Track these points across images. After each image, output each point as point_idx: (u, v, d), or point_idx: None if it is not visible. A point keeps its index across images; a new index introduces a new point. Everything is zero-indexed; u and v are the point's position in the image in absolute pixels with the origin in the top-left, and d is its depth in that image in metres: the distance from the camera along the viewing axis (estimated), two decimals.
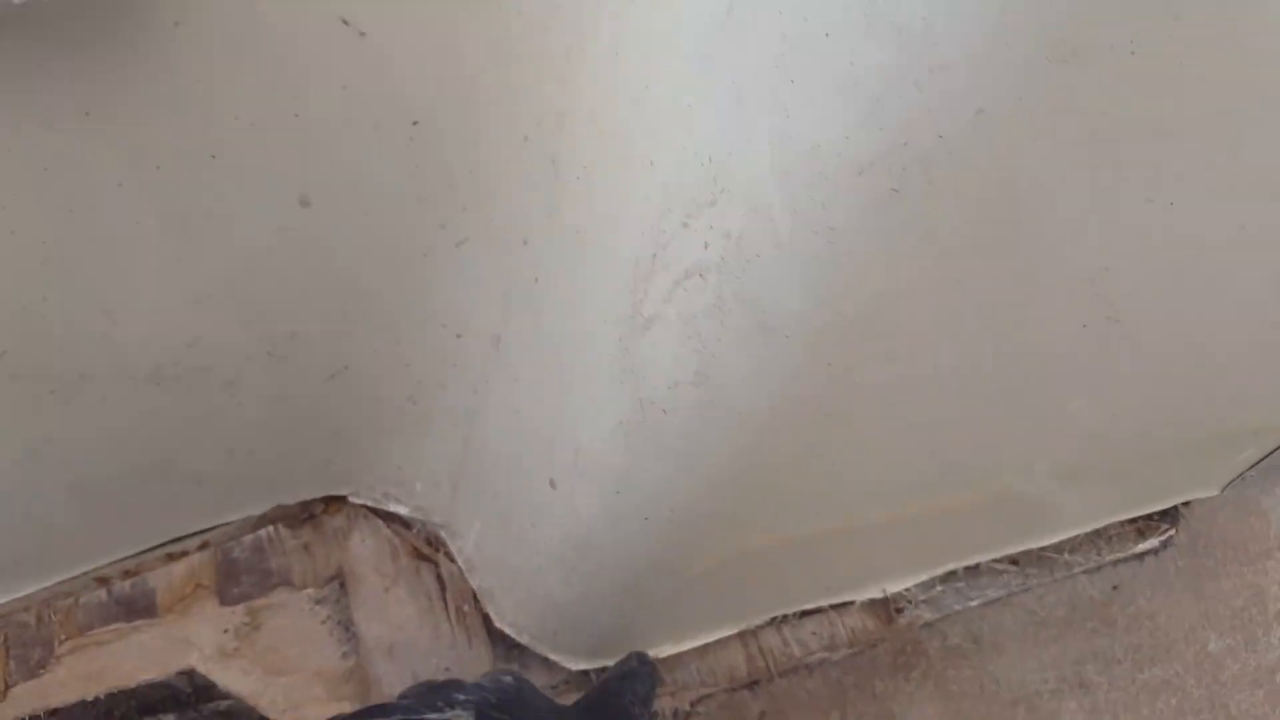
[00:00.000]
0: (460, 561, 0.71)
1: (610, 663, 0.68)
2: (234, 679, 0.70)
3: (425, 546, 0.75)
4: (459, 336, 0.61)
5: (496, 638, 0.71)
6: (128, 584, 0.70)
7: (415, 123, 0.49)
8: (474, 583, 0.70)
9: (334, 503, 0.76)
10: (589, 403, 0.52)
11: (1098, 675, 0.87)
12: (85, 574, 0.69)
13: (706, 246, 0.42)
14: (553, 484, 0.58)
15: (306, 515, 0.76)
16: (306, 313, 0.56)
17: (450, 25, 0.45)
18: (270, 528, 0.73)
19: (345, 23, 0.43)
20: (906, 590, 0.73)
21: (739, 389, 0.46)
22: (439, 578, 0.73)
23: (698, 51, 0.39)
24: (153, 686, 0.69)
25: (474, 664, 0.70)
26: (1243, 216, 0.43)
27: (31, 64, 0.39)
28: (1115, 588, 0.89)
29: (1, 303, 0.49)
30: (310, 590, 0.75)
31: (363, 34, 0.44)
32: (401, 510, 0.74)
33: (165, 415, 0.58)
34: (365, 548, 0.75)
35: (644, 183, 0.45)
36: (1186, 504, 0.89)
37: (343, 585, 0.74)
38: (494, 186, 0.53)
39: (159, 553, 0.71)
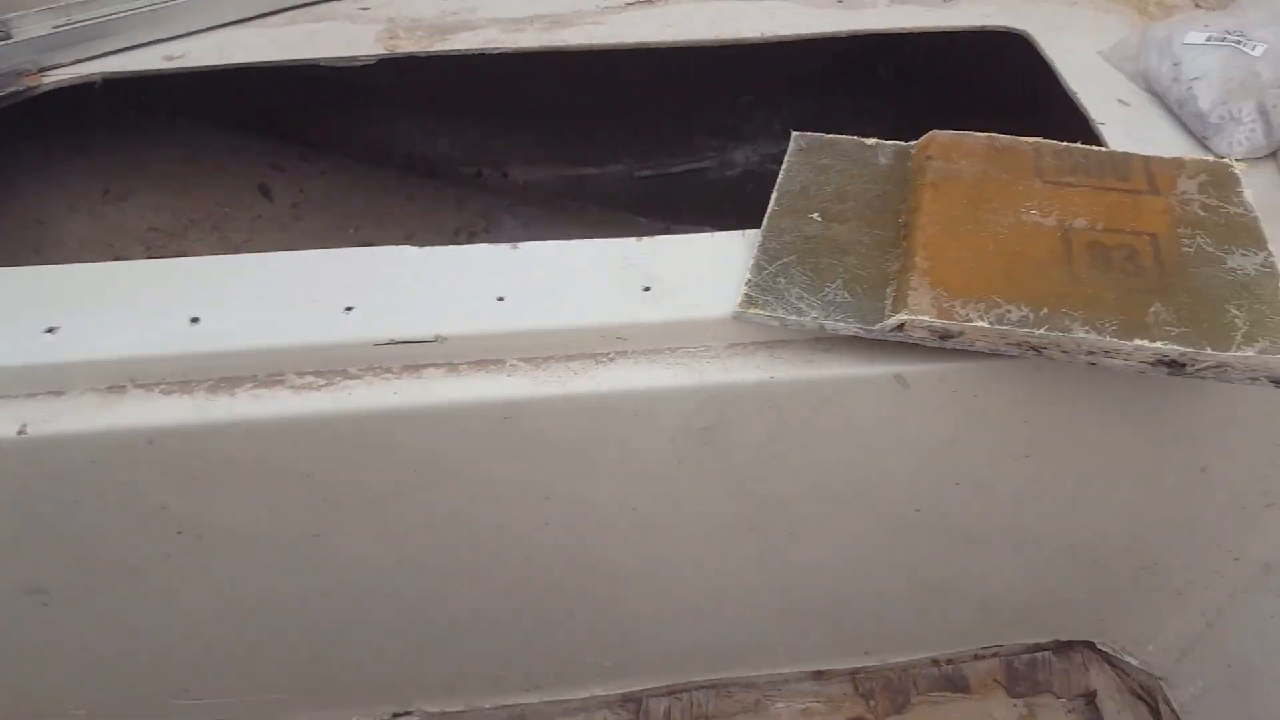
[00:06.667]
0: (1175, 705, 1.07)
1: None
2: None
3: (1139, 689, 1.11)
4: (1236, 559, 0.97)
5: None
6: (950, 668, 1.20)
7: (1202, 469, 0.88)
8: None
9: (1078, 645, 1.17)
10: None
11: None
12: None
13: None
14: None
15: (1064, 649, 1.18)
16: (1155, 541, 0.97)
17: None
18: (1045, 653, 1.17)
19: None
20: None
21: None
22: (1154, 713, 1.10)
23: None
24: None
25: None
26: None
27: None
28: None
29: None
30: (1064, 700, 1.17)
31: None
32: (1130, 661, 1.12)
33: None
34: (1098, 679, 1.15)
35: None
36: None
37: (1090, 702, 1.15)
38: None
39: (970, 651, 1.19)
